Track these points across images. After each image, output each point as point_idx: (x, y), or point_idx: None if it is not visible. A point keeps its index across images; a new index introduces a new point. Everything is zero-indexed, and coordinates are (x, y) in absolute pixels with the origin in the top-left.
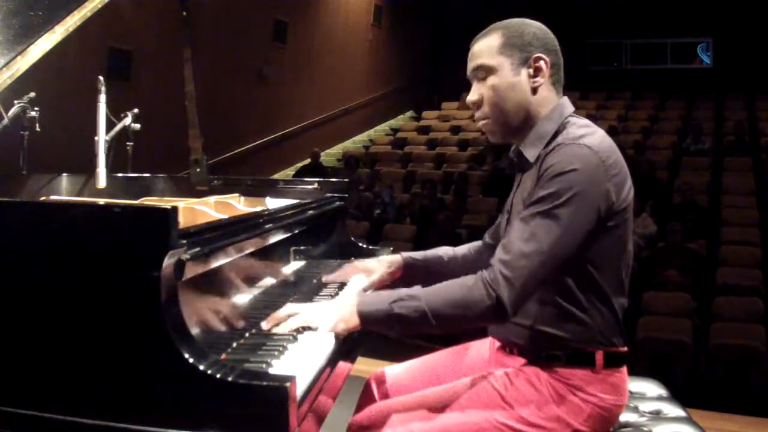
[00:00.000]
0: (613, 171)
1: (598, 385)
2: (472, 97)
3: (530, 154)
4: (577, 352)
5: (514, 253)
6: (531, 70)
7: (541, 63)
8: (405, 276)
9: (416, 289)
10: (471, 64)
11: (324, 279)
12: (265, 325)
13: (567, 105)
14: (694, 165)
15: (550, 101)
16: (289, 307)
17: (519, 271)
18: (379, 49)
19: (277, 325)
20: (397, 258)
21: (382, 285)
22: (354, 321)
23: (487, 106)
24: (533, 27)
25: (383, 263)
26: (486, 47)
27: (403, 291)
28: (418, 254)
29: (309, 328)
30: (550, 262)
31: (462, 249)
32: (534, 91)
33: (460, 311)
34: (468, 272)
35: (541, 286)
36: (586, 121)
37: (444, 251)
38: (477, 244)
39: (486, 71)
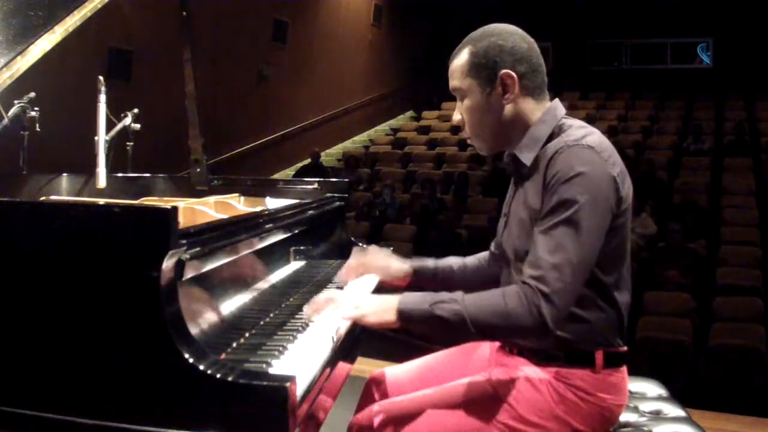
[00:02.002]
0: (617, 169)
1: (597, 385)
2: (454, 118)
3: (526, 157)
4: (577, 351)
5: (545, 269)
6: (500, 88)
7: (508, 80)
8: (412, 284)
9: (458, 294)
10: (449, 84)
11: (340, 277)
12: (306, 310)
13: (559, 107)
14: (694, 165)
15: (530, 111)
16: (327, 294)
17: (555, 285)
18: (379, 49)
19: (317, 311)
20: (407, 269)
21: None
22: (389, 317)
23: (467, 127)
24: (500, 38)
25: (393, 271)
26: (457, 67)
27: (445, 294)
28: (429, 261)
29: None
30: (581, 268)
31: (471, 259)
32: (506, 108)
33: (500, 321)
34: (479, 283)
35: (579, 293)
36: (582, 122)
37: (454, 261)
38: (485, 254)
39: (460, 93)
